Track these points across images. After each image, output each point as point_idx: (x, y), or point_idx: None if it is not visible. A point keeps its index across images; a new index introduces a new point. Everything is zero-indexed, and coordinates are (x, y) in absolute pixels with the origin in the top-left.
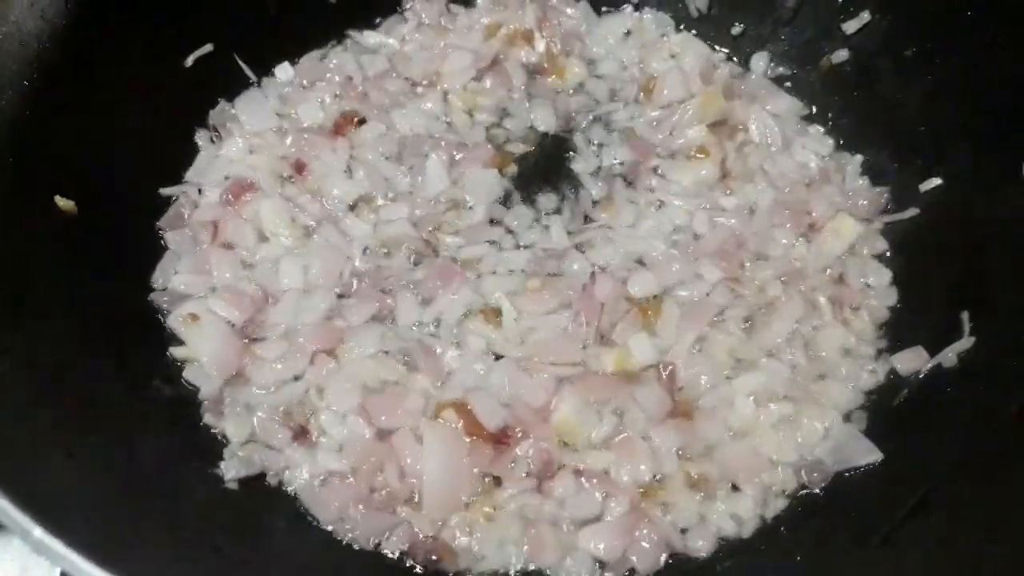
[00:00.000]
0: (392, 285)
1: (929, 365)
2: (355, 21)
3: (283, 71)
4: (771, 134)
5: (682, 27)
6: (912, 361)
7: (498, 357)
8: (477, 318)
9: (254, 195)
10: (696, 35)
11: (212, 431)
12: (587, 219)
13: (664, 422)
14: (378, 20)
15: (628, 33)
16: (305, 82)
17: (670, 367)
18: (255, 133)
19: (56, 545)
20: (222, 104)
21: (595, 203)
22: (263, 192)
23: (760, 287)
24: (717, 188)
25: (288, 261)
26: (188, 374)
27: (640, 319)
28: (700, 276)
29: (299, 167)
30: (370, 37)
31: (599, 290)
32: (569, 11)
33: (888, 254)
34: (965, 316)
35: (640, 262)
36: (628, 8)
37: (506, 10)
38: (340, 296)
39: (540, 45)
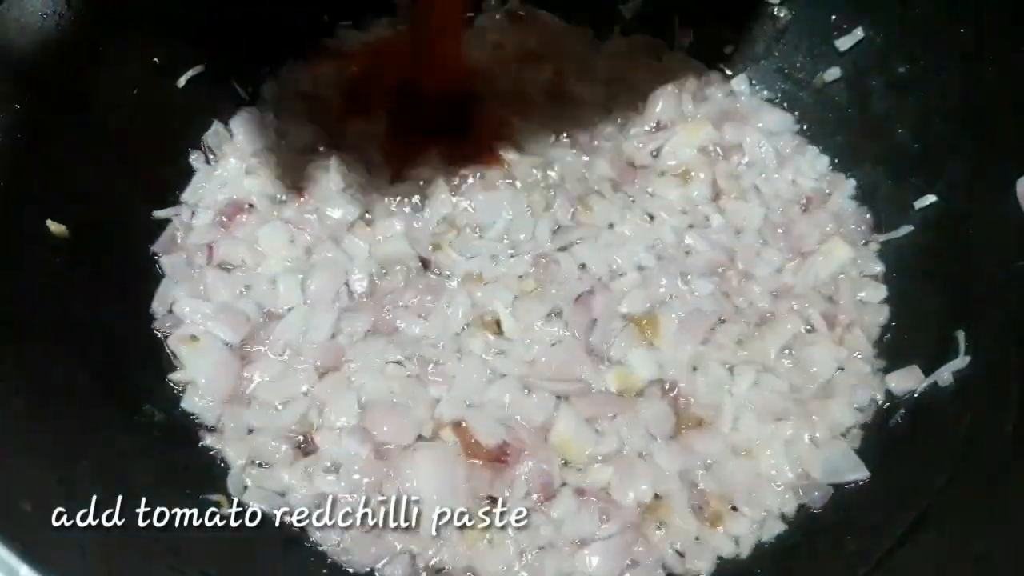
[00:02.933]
0: (389, 303)
1: (924, 384)
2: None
3: (268, 89)
4: (766, 154)
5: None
6: (907, 380)
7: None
8: (477, 332)
9: (250, 216)
10: (690, 55)
11: (207, 454)
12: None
13: (666, 440)
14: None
15: (618, 54)
16: (289, 96)
17: (674, 384)
18: (252, 154)
19: None
20: (216, 125)
21: (575, 210)
22: (259, 213)
23: (751, 302)
24: (707, 206)
25: (286, 279)
26: (186, 401)
27: (637, 334)
28: (692, 290)
29: (297, 189)
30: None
31: (594, 306)
32: (573, 36)
33: (883, 273)
34: (960, 335)
35: (625, 272)
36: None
37: (509, 32)
38: (341, 311)
39: (547, 69)
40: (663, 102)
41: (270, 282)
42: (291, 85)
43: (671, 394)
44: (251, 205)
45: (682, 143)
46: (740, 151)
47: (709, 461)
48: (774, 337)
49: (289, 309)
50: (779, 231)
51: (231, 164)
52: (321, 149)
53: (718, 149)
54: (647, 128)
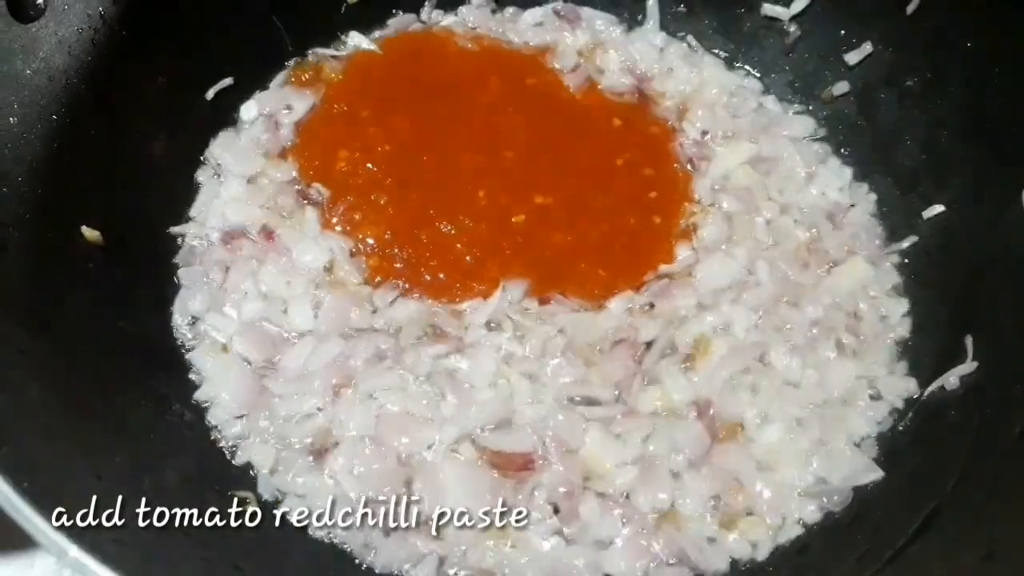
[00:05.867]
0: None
1: (931, 388)
2: None
3: (247, 110)
4: (798, 165)
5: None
6: (914, 385)
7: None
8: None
9: (248, 245)
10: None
11: (235, 459)
12: None
13: (699, 460)
14: None
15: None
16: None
17: (707, 403)
18: (247, 177)
19: (92, 564)
20: (212, 144)
21: None
22: (254, 244)
23: (791, 324)
24: (762, 230)
25: (298, 304)
26: (211, 414)
27: (682, 358)
28: (740, 319)
29: (267, 234)
30: None
31: (644, 334)
32: (616, 34)
33: (902, 285)
34: (969, 340)
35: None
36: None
37: (554, 32)
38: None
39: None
40: (702, 111)
41: (282, 308)
42: (268, 106)
43: (707, 415)
44: (247, 233)
45: (729, 158)
46: (777, 164)
47: (734, 475)
48: (808, 359)
49: (307, 334)
50: (811, 246)
51: (233, 185)
52: (298, 186)
53: (763, 162)
54: (693, 138)
